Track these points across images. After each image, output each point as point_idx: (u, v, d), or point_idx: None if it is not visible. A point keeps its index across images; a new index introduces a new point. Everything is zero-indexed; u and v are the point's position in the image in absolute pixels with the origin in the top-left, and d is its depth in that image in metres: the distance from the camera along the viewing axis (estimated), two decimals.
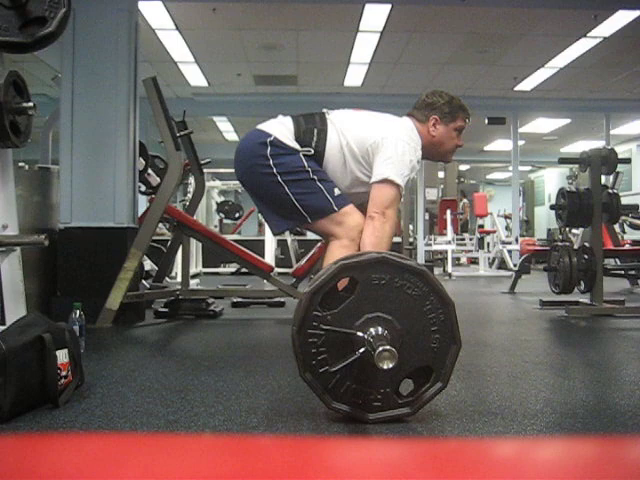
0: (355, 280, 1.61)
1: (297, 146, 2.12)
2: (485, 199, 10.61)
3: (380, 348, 1.49)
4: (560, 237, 8.45)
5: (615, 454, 0.49)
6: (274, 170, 2.10)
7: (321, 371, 1.60)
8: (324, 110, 2.27)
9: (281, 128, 2.16)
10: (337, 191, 2.13)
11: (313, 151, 2.13)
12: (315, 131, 2.15)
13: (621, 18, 6.40)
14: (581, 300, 4.22)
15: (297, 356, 1.60)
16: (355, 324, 1.57)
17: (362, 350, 1.53)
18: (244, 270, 6.02)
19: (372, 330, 1.55)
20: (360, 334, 1.56)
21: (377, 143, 2.12)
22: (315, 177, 2.10)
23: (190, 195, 6.28)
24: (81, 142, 3.74)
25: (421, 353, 1.62)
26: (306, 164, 2.10)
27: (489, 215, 10.27)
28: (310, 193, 2.09)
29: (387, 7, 6.19)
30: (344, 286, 1.73)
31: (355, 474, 0.44)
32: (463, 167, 14.73)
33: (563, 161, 4.79)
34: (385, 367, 1.49)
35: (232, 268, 8.25)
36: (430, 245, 9.37)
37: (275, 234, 2.45)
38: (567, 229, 7.59)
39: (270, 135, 2.13)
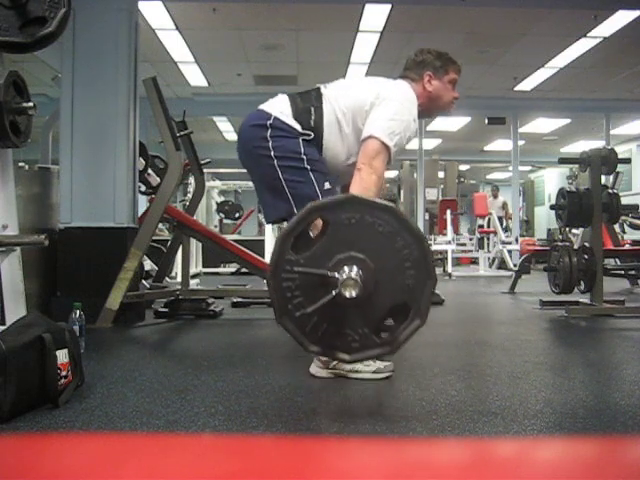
0: (326, 221, 1.60)
1: (297, 126, 2.13)
2: (485, 199, 10.60)
3: (344, 276, 1.49)
4: (560, 237, 8.45)
5: (615, 454, 0.49)
6: (272, 153, 2.11)
7: (297, 315, 1.58)
8: (319, 85, 2.28)
9: (281, 107, 2.18)
10: (327, 185, 2.14)
11: (312, 134, 2.14)
12: (312, 109, 2.17)
13: (621, 18, 6.40)
14: (581, 300, 4.22)
15: (273, 301, 1.59)
16: (328, 265, 1.56)
17: (335, 292, 1.53)
18: (244, 270, 6.02)
19: (346, 269, 1.54)
20: (333, 274, 1.54)
21: (372, 104, 2.15)
22: (308, 167, 2.11)
23: (190, 195, 6.28)
24: (81, 142, 3.73)
25: (397, 290, 1.59)
26: (302, 150, 2.12)
27: (489, 215, 10.25)
28: (301, 182, 2.10)
29: (387, 7, 6.19)
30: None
31: (355, 474, 0.44)
32: (463, 167, 14.72)
33: (563, 161, 4.79)
34: (348, 295, 1.48)
35: (232, 268, 8.25)
36: (430, 245, 9.36)
37: (267, 222, 2.47)
38: (567, 229, 7.59)
39: (270, 116, 2.15)
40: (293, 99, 2.21)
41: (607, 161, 4.18)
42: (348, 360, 1.62)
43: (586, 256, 4.07)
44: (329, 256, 1.57)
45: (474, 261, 10.64)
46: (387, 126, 2.10)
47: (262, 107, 2.22)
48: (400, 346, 1.63)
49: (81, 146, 3.73)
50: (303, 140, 2.14)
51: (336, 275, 1.54)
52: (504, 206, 11.93)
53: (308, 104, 2.18)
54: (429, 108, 2.36)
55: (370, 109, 2.15)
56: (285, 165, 2.11)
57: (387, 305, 1.61)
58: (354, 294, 1.49)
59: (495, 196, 12.14)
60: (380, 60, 7.99)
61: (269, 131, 2.13)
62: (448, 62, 2.36)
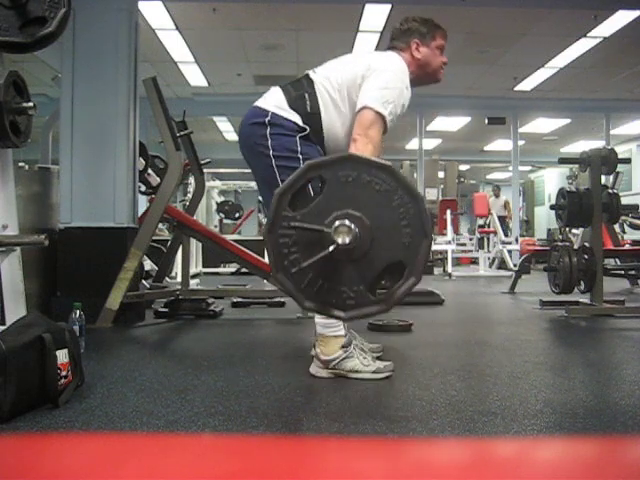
0: (323, 179, 1.61)
1: (295, 117, 2.15)
2: (485, 199, 10.60)
3: (337, 223, 1.50)
4: (560, 237, 8.45)
5: (615, 454, 0.49)
6: (270, 152, 2.13)
7: (293, 271, 1.59)
8: (307, 72, 2.30)
9: (276, 100, 2.20)
10: None
11: (308, 128, 2.15)
12: (306, 95, 2.19)
13: (621, 18, 6.40)
14: (581, 300, 4.21)
15: (269, 257, 1.61)
16: (324, 222, 1.57)
17: (332, 247, 1.53)
18: (244, 270, 6.02)
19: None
20: (329, 231, 1.55)
21: (364, 76, 2.16)
22: None
23: (190, 195, 6.28)
24: (81, 142, 3.73)
25: (393, 248, 1.60)
26: (299, 149, 2.13)
27: (489, 215, 10.26)
28: None
29: (387, 7, 6.19)
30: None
31: (355, 474, 0.44)
32: (463, 167, 14.72)
33: (563, 161, 4.78)
34: (341, 241, 1.50)
35: (232, 268, 8.25)
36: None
37: None
38: (567, 229, 7.59)
39: (267, 112, 2.16)
40: (286, 89, 2.23)
41: (607, 161, 4.18)
42: (344, 317, 1.62)
43: (586, 256, 4.07)
44: (326, 213, 1.57)
45: (474, 261, 10.64)
46: (380, 95, 2.11)
47: (258, 104, 2.23)
48: (395, 304, 1.63)
49: (81, 146, 3.73)
50: (301, 138, 2.14)
51: (332, 231, 1.55)
52: (506, 205, 11.89)
53: (301, 91, 2.20)
54: (420, 76, 2.36)
55: (362, 82, 2.16)
56: (282, 165, 2.12)
57: (383, 263, 1.61)
58: (347, 240, 1.50)
59: (497, 195, 12.10)
60: None
61: (268, 129, 2.14)
62: (434, 28, 2.38)
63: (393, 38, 2.39)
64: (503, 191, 12.54)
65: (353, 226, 1.52)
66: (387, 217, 1.58)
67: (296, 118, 2.16)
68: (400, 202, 1.57)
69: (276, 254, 1.60)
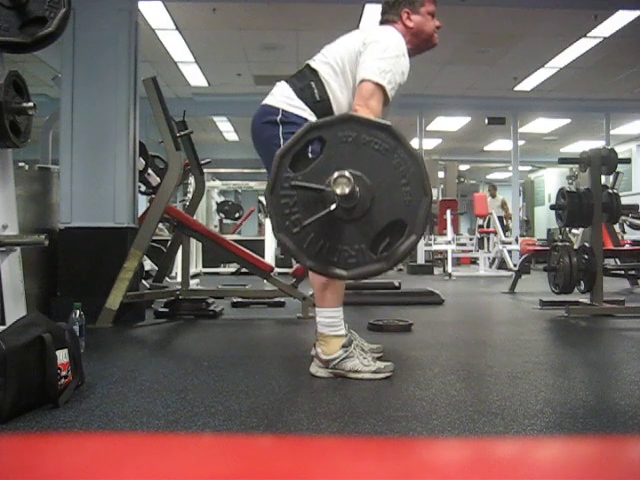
0: (323, 139, 1.61)
1: (306, 113, 2.16)
2: (485, 199, 10.60)
3: (336, 174, 1.51)
4: (560, 237, 8.45)
5: (615, 454, 0.49)
6: None
7: (295, 231, 1.61)
8: (307, 62, 2.32)
9: (285, 94, 2.22)
10: None
11: (316, 118, 2.16)
12: (312, 84, 2.21)
13: (621, 18, 6.40)
14: (581, 300, 4.22)
15: (271, 218, 1.63)
16: (325, 182, 1.57)
17: (334, 205, 1.54)
18: (244, 270, 6.02)
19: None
20: (330, 190, 1.55)
21: (360, 52, 2.19)
22: None
23: (190, 195, 6.28)
24: (81, 142, 3.73)
25: (393, 207, 1.61)
26: (310, 148, 2.14)
27: (489, 215, 10.26)
28: None
29: None
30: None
31: (355, 474, 0.44)
32: (463, 167, 14.72)
33: (563, 161, 4.79)
34: (340, 192, 1.51)
35: (232, 268, 8.25)
36: (430, 245, 9.36)
37: None
38: (567, 229, 7.59)
39: (278, 110, 2.18)
40: (291, 82, 2.25)
41: (607, 161, 4.18)
42: (345, 276, 1.62)
43: (586, 256, 4.07)
44: (326, 173, 1.58)
45: (474, 261, 10.65)
46: (376, 66, 2.13)
47: (267, 102, 2.25)
48: (396, 263, 1.63)
49: (81, 146, 3.73)
50: None
51: (332, 183, 1.55)
52: (503, 205, 11.85)
53: (306, 81, 2.23)
54: (416, 44, 2.36)
55: (360, 58, 2.19)
56: None
57: (384, 221, 1.62)
58: (346, 191, 1.51)
59: (493, 195, 12.06)
60: None
61: (280, 128, 2.16)
62: None
63: (383, 12, 2.40)
64: (503, 191, 12.51)
65: (352, 178, 1.52)
66: (387, 176, 1.59)
67: (306, 114, 2.17)
68: (399, 161, 1.59)
69: (278, 214, 1.61)
